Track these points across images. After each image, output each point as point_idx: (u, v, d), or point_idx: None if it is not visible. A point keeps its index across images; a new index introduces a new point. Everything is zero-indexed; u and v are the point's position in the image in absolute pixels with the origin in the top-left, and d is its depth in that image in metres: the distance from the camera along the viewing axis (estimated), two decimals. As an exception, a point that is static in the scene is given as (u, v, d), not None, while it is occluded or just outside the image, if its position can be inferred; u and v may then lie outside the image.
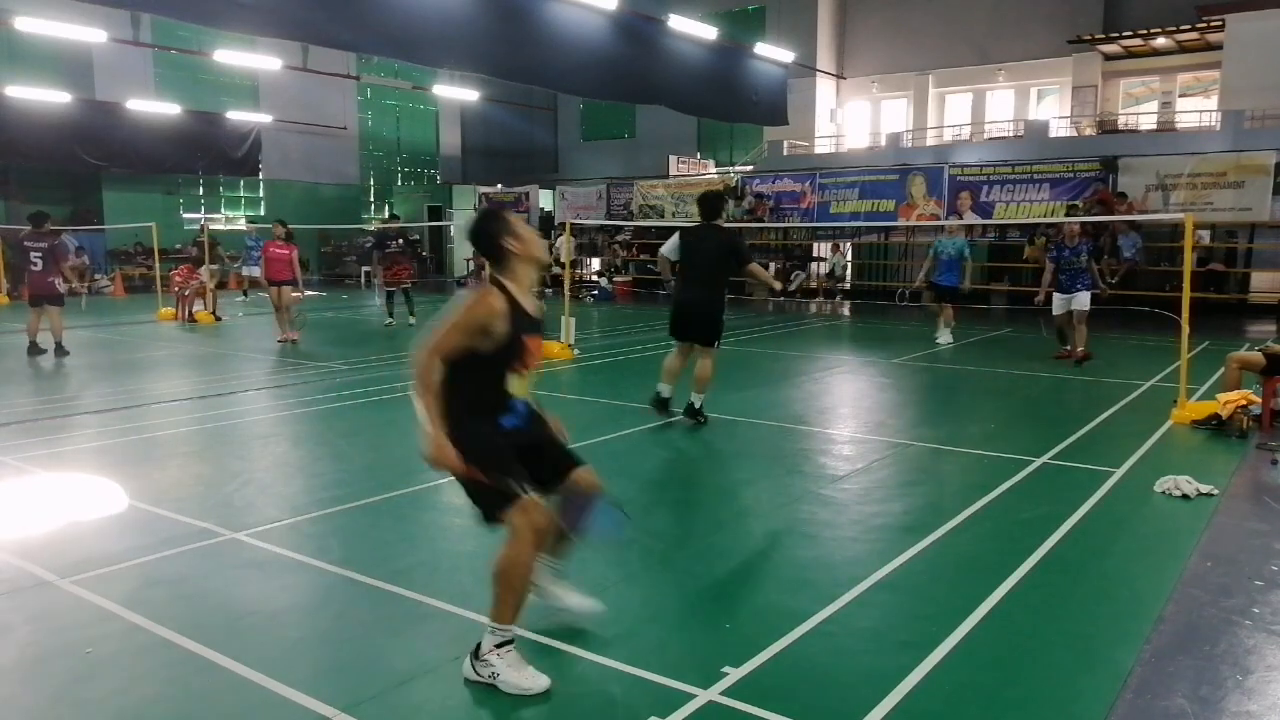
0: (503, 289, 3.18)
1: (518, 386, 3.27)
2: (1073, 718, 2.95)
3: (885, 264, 21.95)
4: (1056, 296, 10.85)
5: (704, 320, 7.16)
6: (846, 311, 19.04)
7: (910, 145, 25.40)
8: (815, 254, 23.29)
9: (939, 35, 26.61)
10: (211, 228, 20.03)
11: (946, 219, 20.08)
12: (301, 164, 29.13)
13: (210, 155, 26.28)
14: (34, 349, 11.36)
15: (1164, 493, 5.35)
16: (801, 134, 26.95)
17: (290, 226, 13.67)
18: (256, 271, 22.70)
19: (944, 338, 12.75)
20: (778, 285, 7.77)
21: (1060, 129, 23.88)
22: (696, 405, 7.21)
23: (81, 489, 5.56)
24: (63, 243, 11.98)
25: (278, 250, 13.22)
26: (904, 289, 17.23)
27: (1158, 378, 9.49)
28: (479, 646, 3.15)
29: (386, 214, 30.51)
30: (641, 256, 25.37)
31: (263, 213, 29.03)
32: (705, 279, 7.18)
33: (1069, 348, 10.98)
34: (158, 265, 18.40)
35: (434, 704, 3.06)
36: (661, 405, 7.30)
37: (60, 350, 11.34)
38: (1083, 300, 10.66)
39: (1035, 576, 4.09)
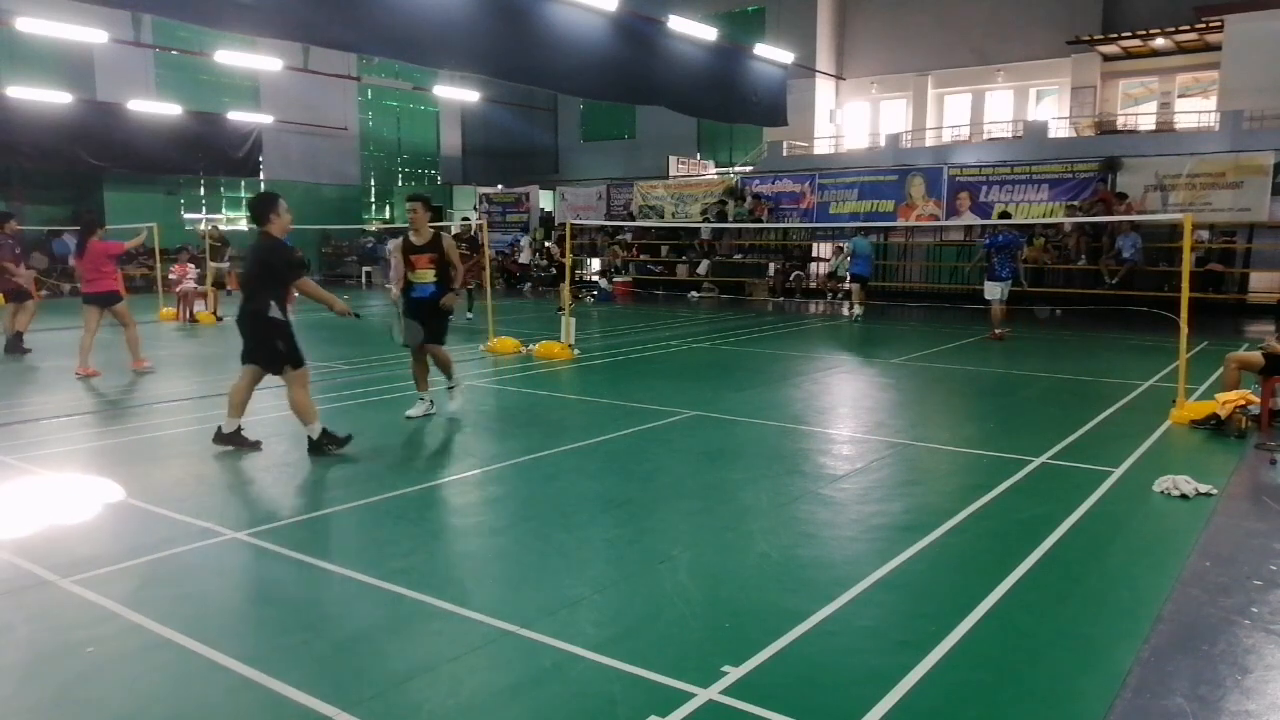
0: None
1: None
2: (1072, 717, 2.95)
3: (884, 264, 21.96)
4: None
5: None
6: (846, 311, 19.03)
7: (909, 146, 25.42)
8: (815, 254, 23.30)
9: (938, 36, 26.64)
10: (221, 227, 20.00)
11: (946, 220, 20.13)
12: (302, 164, 29.15)
13: (211, 156, 26.30)
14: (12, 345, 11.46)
15: (1163, 492, 5.35)
16: (801, 135, 26.98)
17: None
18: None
19: (857, 310, 16.42)
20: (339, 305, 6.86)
21: (1059, 129, 23.90)
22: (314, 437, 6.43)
23: (81, 489, 5.56)
24: (6, 243, 11.44)
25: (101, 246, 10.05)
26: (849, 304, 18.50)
27: (1156, 378, 9.50)
28: None
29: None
30: (641, 257, 25.41)
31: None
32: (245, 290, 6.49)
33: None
34: (159, 266, 18.40)
35: (434, 704, 3.07)
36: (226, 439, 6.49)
37: (9, 347, 11.26)
38: (987, 290, 13.16)
39: (1034, 576, 4.10)
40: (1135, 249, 17.46)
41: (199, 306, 16.47)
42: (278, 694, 3.07)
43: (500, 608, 3.75)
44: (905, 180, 20.83)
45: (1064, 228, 18.47)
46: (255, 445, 6.50)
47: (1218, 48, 21.80)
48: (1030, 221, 18.77)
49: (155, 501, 5.24)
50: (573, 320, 11.89)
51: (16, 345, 11.41)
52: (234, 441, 6.44)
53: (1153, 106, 25.00)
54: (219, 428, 6.48)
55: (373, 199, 32.80)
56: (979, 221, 19.56)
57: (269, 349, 6.34)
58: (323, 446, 6.33)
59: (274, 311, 6.24)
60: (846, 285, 20.91)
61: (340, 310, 6.66)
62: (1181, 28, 22.12)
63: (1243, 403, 7.04)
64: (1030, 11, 25.07)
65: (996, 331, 13.03)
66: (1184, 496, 5.26)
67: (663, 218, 24.45)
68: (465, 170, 34.08)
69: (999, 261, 13.01)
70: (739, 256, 23.72)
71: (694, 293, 22.75)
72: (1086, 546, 4.52)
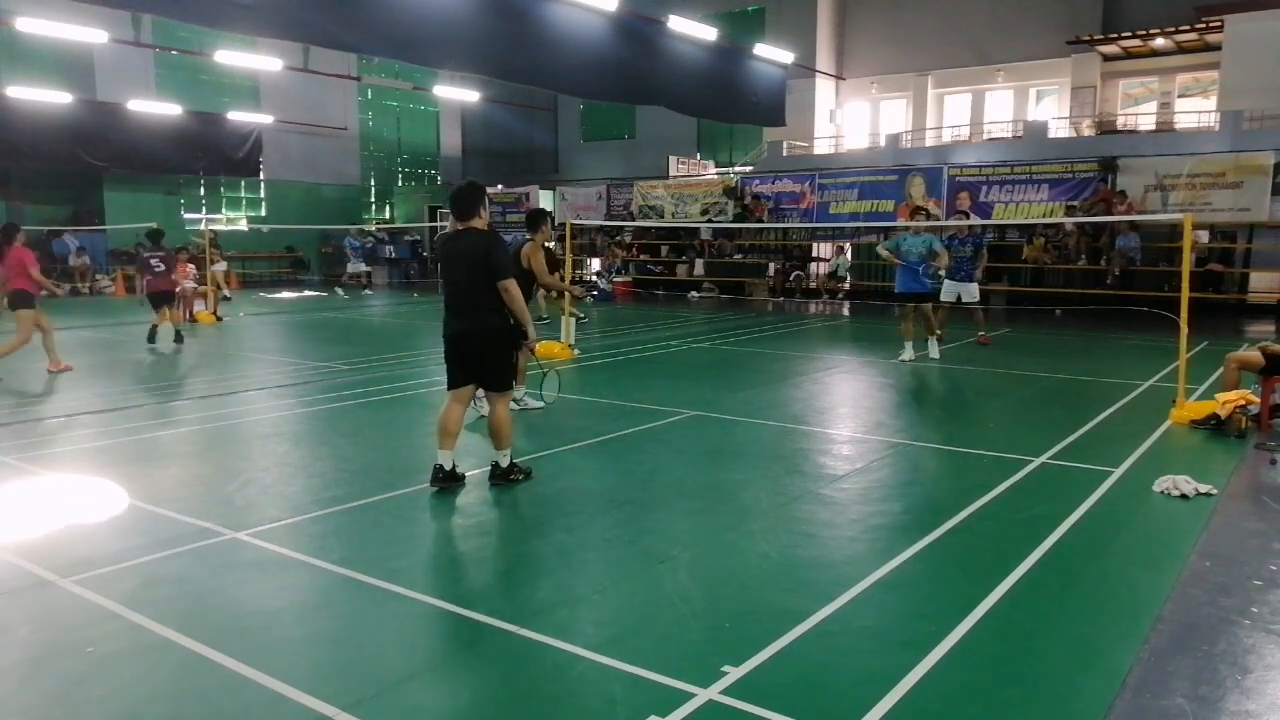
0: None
1: None
2: (1072, 717, 2.95)
3: (884, 264, 21.96)
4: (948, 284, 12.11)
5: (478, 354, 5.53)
6: (846, 311, 19.04)
7: (909, 146, 25.40)
8: (815, 254, 23.29)
9: (938, 36, 26.62)
10: (212, 228, 20.03)
11: (947, 219, 20.10)
12: (302, 164, 29.14)
13: (211, 156, 26.29)
14: (153, 335, 12.66)
15: (1163, 492, 5.35)
16: (801, 135, 26.97)
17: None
18: (363, 267, 24.82)
19: (929, 351, 11.16)
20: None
21: (1059, 129, 23.89)
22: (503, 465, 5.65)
23: (81, 489, 5.56)
24: (172, 252, 13.39)
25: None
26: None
27: (1156, 378, 9.50)
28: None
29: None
30: (641, 257, 25.42)
31: (264, 213, 29.04)
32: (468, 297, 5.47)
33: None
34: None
35: (434, 704, 3.07)
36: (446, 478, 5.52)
37: (179, 336, 12.99)
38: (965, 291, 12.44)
39: (1034, 576, 4.10)
40: (1134, 249, 17.47)
41: (199, 306, 16.47)
42: (278, 693, 3.07)
43: (500, 607, 3.75)
44: (905, 180, 20.82)
45: (1064, 227, 18.47)
46: (463, 478, 5.61)
47: (1218, 48, 21.78)
48: (1029, 222, 18.76)
49: (155, 501, 5.25)
50: (573, 320, 11.89)
51: (178, 336, 13.03)
52: (455, 479, 5.49)
53: (1153, 106, 24.98)
54: (438, 467, 5.43)
55: (373, 199, 32.80)
56: (979, 222, 19.55)
57: (504, 365, 5.53)
58: (510, 475, 5.58)
59: (507, 319, 5.44)
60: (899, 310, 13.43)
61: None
62: (1181, 28, 22.10)
63: (1243, 403, 7.04)
64: (1030, 11, 25.05)
65: (982, 335, 12.70)
66: (1184, 496, 5.26)
67: (663, 218, 24.44)
68: (465, 170, 34.04)
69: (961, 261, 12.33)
70: (739, 256, 23.72)
71: (694, 293, 22.75)
72: (1086, 546, 4.52)
